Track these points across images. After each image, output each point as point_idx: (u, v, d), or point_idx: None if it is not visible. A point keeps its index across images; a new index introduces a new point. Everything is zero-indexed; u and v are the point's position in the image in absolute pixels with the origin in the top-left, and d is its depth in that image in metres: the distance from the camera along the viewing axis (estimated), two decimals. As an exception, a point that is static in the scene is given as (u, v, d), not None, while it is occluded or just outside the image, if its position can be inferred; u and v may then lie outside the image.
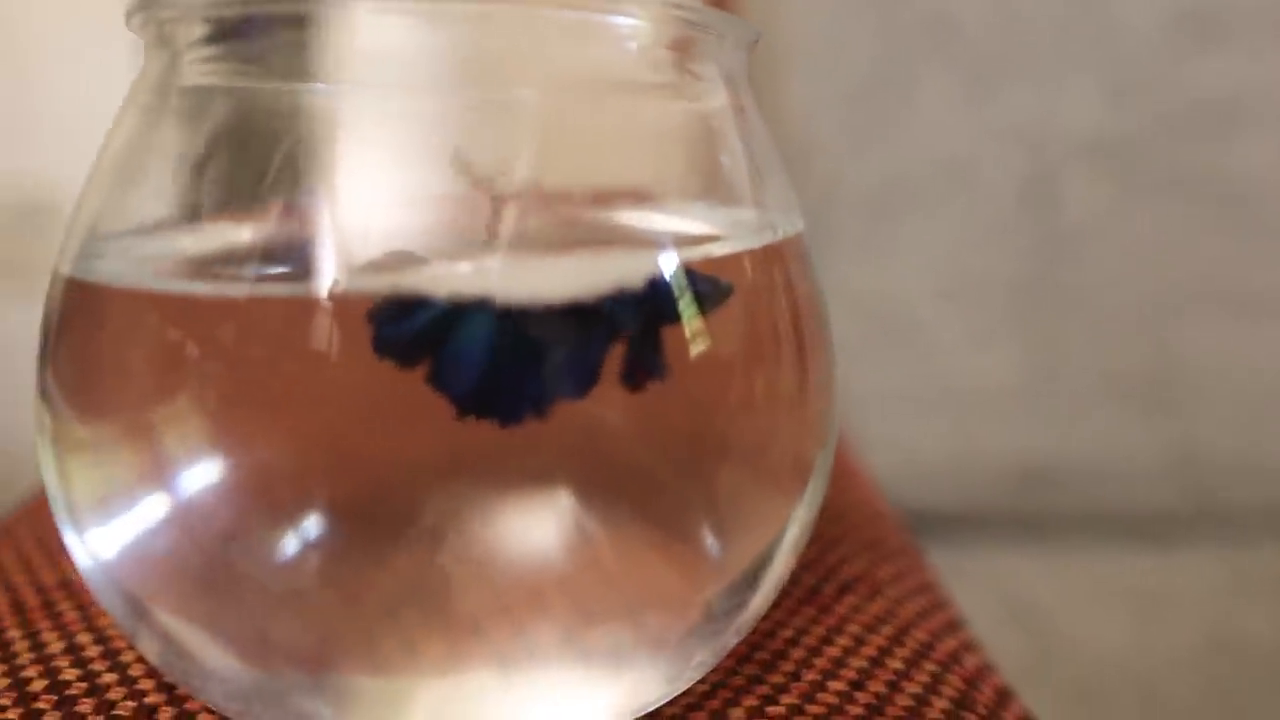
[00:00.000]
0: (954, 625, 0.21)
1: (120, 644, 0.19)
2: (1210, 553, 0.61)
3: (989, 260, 0.61)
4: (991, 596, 0.58)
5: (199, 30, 0.15)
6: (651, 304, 0.14)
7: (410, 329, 0.13)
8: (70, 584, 0.21)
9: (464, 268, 0.13)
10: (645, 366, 0.14)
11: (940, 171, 0.60)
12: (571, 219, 0.17)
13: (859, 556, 0.23)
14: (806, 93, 0.60)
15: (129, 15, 0.16)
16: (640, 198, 0.17)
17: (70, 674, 0.18)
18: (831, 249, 0.61)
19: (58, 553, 0.22)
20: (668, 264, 0.14)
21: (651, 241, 0.14)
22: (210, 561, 0.14)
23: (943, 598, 0.22)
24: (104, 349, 0.15)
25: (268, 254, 0.16)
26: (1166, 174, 0.62)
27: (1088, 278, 0.61)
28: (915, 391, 0.62)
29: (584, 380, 0.13)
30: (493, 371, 0.13)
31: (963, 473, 0.62)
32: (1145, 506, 0.63)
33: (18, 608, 0.20)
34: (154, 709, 0.17)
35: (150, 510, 0.14)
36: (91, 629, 0.19)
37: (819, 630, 0.19)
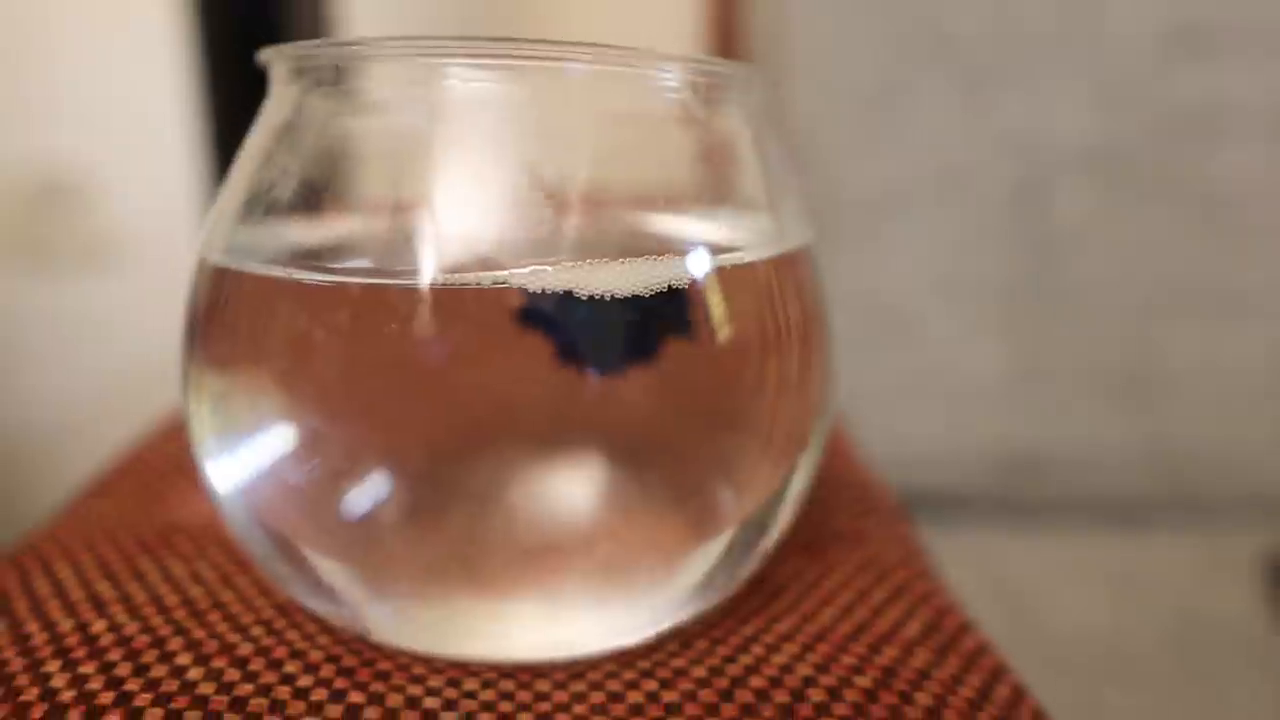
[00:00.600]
0: (927, 570, 0.25)
1: (231, 569, 0.22)
2: (1183, 537, 0.65)
3: (981, 261, 0.64)
4: (977, 576, 0.62)
5: (322, 69, 0.19)
6: (689, 300, 0.17)
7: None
8: (181, 525, 0.25)
9: (547, 268, 0.17)
10: (681, 337, 0.18)
11: (936, 176, 0.64)
12: (620, 226, 0.21)
13: (849, 514, 0.27)
14: (809, 100, 0.64)
15: (261, 54, 0.20)
16: (675, 207, 0.21)
17: (196, 591, 0.22)
18: (832, 249, 0.64)
19: (156, 504, 0.26)
20: (705, 269, 0.18)
21: (685, 248, 0.18)
22: (323, 495, 0.18)
23: (918, 547, 0.26)
24: (249, 323, 0.18)
25: (376, 250, 0.20)
26: (1152, 180, 0.65)
27: (1074, 278, 0.65)
28: (909, 383, 0.66)
29: (642, 350, 0.17)
30: (593, 340, 0.17)
31: (953, 459, 0.66)
32: (1123, 493, 0.67)
33: (142, 543, 0.24)
34: (270, 620, 0.21)
35: (278, 447, 0.18)
36: (208, 559, 0.23)
37: (814, 570, 0.23)
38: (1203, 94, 0.64)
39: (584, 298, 0.16)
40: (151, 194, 0.83)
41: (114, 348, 0.84)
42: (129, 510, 0.26)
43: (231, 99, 0.61)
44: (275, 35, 0.62)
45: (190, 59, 0.63)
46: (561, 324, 0.16)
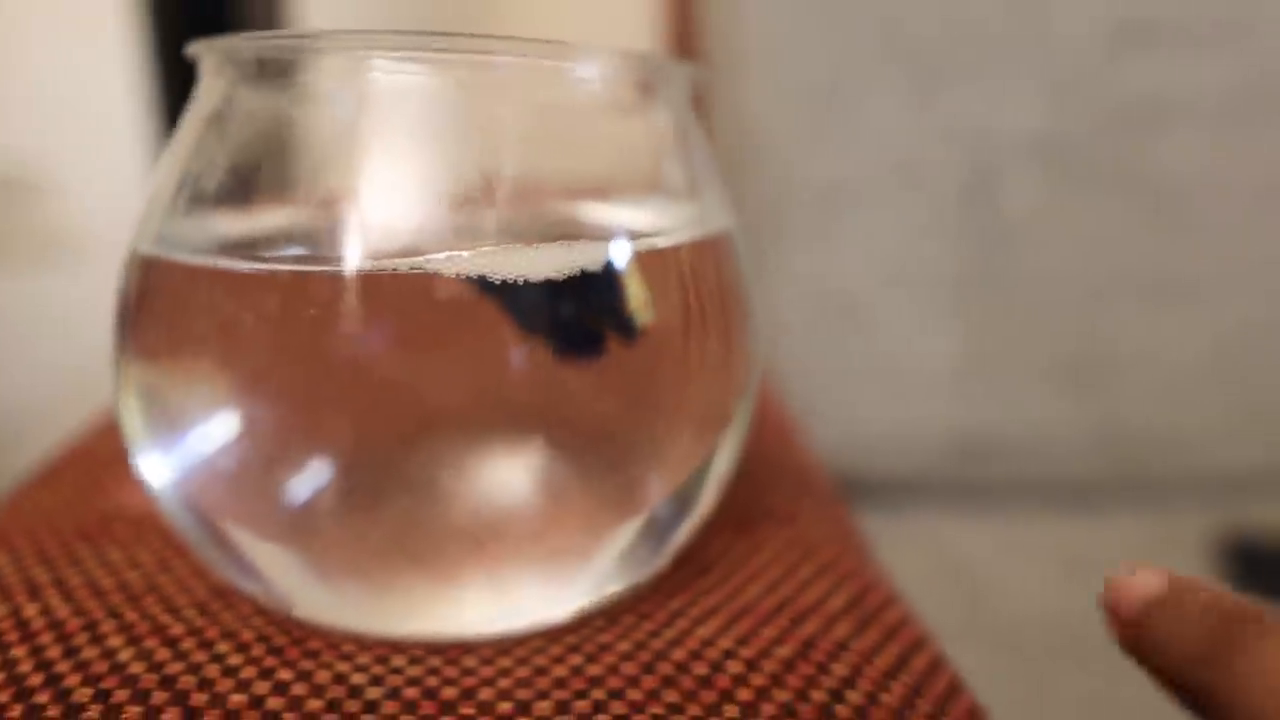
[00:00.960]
0: (856, 548, 0.25)
1: (168, 554, 0.23)
2: (1132, 518, 0.66)
3: (932, 251, 0.65)
4: (931, 558, 0.63)
5: (249, 63, 0.19)
6: (604, 284, 0.18)
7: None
8: (120, 512, 0.25)
9: (466, 254, 0.17)
10: (616, 331, 0.18)
11: (887, 168, 0.65)
12: (545, 214, 0.21)
13: (782, 493, 0.27)
14: (762, 93, 0.64)
15: (190, 49, 0.20)
16: (599, 196, 0.21)
17: (132, 575, 0.22)
18: (785, 239, 0.65)
19: (96, 492, 0.26)
20: (621, 254, 0.18)
21: (600, 234, 0.18)
22: (253, 480, 0.19)
23: (850, 527, 0.27)
24: (178, 312, 0.19)
25: (308, 235, 0.20)
26: (1099, 172, 0.66)
27: (1023, 267, 0.66)
28: (863, 371, 0.66)
29: (573, 339, 0.18)
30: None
31: (906, 444, 0.67)
32: (1074, 476, 0.68)
33: (81, 530, 0.24)
34: (205, 602, 0.21)
35: (207, 436, 0.18)
36: (146, 545, 0.23)
37: (743, 547, 0.24)
38: (1148, 87, 0.65)
39: (497, 282, 0.17)
40: (105, 189, 0.82)
41: (69, 342, 0.84)
42: (70, 499, 0.26)
43: (184, 95, 0.61)
44: (226, 30, 0.62)
45: (142, 55, 0.62)
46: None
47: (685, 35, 0.74)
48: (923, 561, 0.62)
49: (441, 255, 0.17)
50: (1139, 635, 0.16)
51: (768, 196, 0.65)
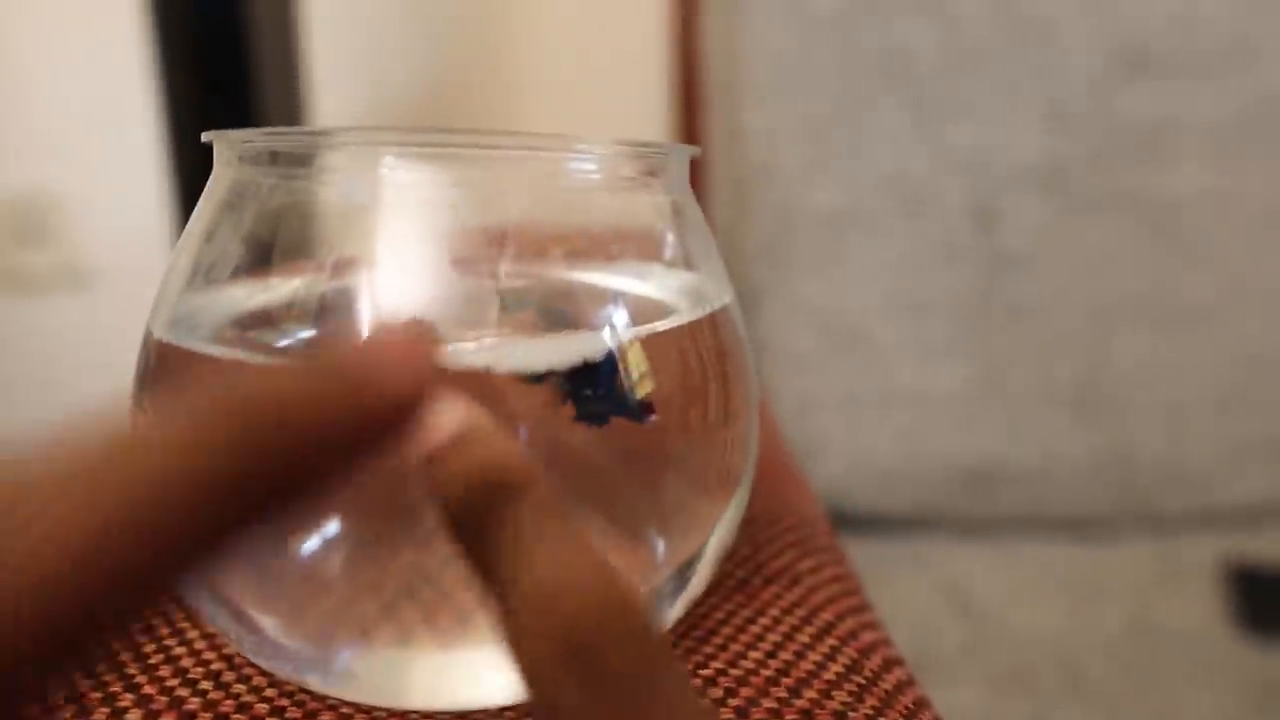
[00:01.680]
0: (856, 608, 0.26)
1: (184, 624, 0.23)
2: (1136, 548, 0.66)
3: (937, 277, 0.66)
4: (936, 587, 0.63)
5: (263, 152, 0.20)
6: (602, 372, 0.19)
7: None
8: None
9: (471, 346, 0.18)
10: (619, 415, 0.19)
11: (892, 195, 0.65)
12: (553, 298, 0.22)
13: (785, 553, 0.28)
14: (767, 121, 0.65)
15: (206, 136, 0.21)
16: (604, 277, 0.22)
17: (148, 647, 0.22)
18: (790, 267, 0.66)
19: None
20: (613, 341, 0.19)
21: (598, 323, 0.19)
22: (261, 556, 0.19)
23: (851, 586, 0.27)
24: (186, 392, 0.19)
25: (316, 321, 0.21)
26: (1101, 199, 0.66)
27: (1028, 294, 0.66)
28: (868, 399, 0.67)
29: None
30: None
31: (911, 474, 0.67)
32: (1078, 505, 0.68)
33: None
34: (219, 673, 0.22)
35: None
36: (160, 614, 0.24)
37: (745, 613, 0.24)
38: (1151, 113, 0.66)
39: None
40: (120, 218, 0.84)
41: (84, 369, 0.85)
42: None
43: (200, 125, 0.62)
44: (242, 60, 0.63)
45: (157, 84, 0.63)
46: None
47: (689, 64, 0.75)
48: (929, 592, 0.62)
49: (447, 348, 0.17)
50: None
51: (771, 226, 0.66)
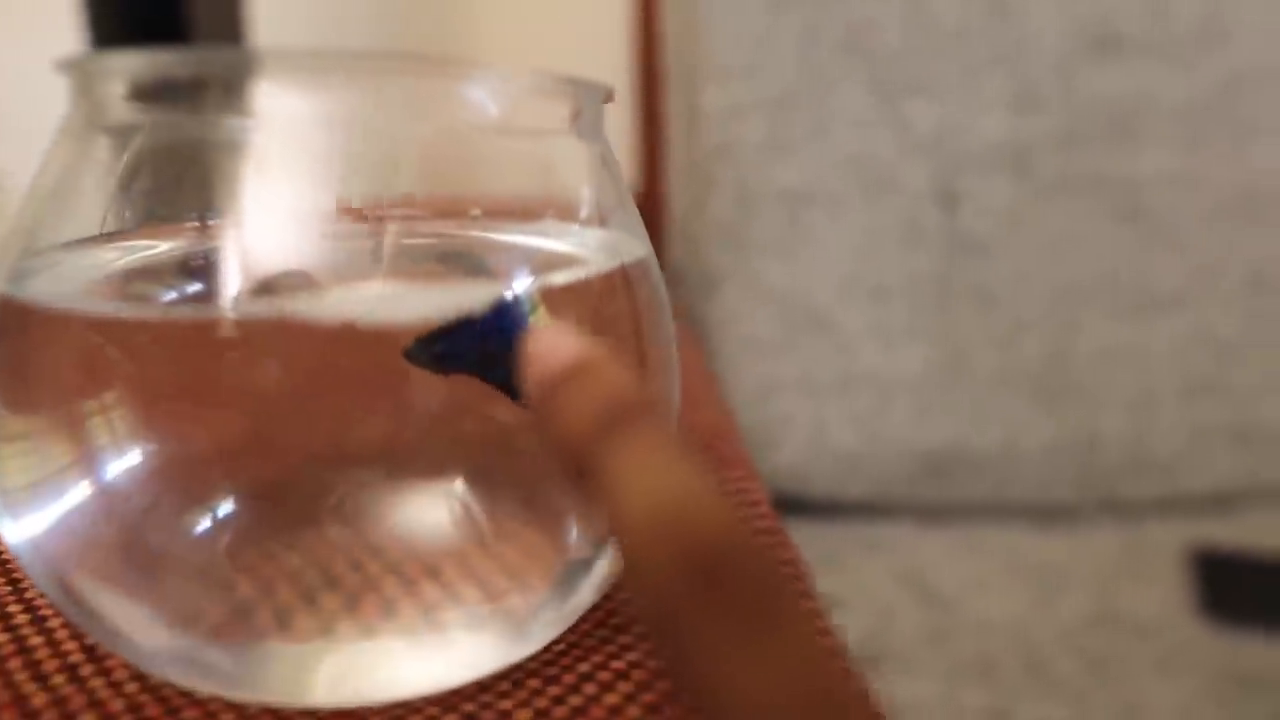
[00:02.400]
0: (802, 593, 0.24)
1: (47, 612, 0.21)
2: (1101, 535, 0.65)
3: (899, 260, 0.64)
4: (896, 574, 0.62)
5: (120, 82, 0.18)
6: (499, 329, 0.17)
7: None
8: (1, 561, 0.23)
9: (347, 293, 0.16)
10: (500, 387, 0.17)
11: (854, 176, 0.63)
12: (442, 244, 0.20)
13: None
14: (726, 99, 0.63)
15: (59, 67, 0.19)
16: (500, 224, 0.20)
17: (1, 638, 0.20)
18: (748, 248, 0.64)
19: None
20: (517, 288, 0.17)
21: (480, 272, 0.17)
22: (128, 540, 0.17)
23: (798, 571, 0.25)
24: (35, 358, 0.17)
25: (180, 271, 0.19)
26: (1067, 181, 0.65)
27: (991, 277, 0.65)
28: (828, 383, 0.65)
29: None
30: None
31: (872, 459, 0.66)
32: (1042, 492, 0.67)
33: (-42, 582, 0.23)
34: (76, 666, 0.19)
35: (73, 496, 0.17)
36: (20, 600, 0.22)
37: (667, 598, 0.22)
38: (1116, 95, 0.65)
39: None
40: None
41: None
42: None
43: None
44: (177, 31, 0.60)
45: (92, 25, 0.61)
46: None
47: (648, 41, 0.73)
48: (889, 579, 0.61)
49: (304, 299, 0.15)
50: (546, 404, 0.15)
51: (730, 207, 0.64)
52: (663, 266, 0.22)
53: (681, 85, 0.66)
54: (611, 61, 0.80)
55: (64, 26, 0.75)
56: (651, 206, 0.76)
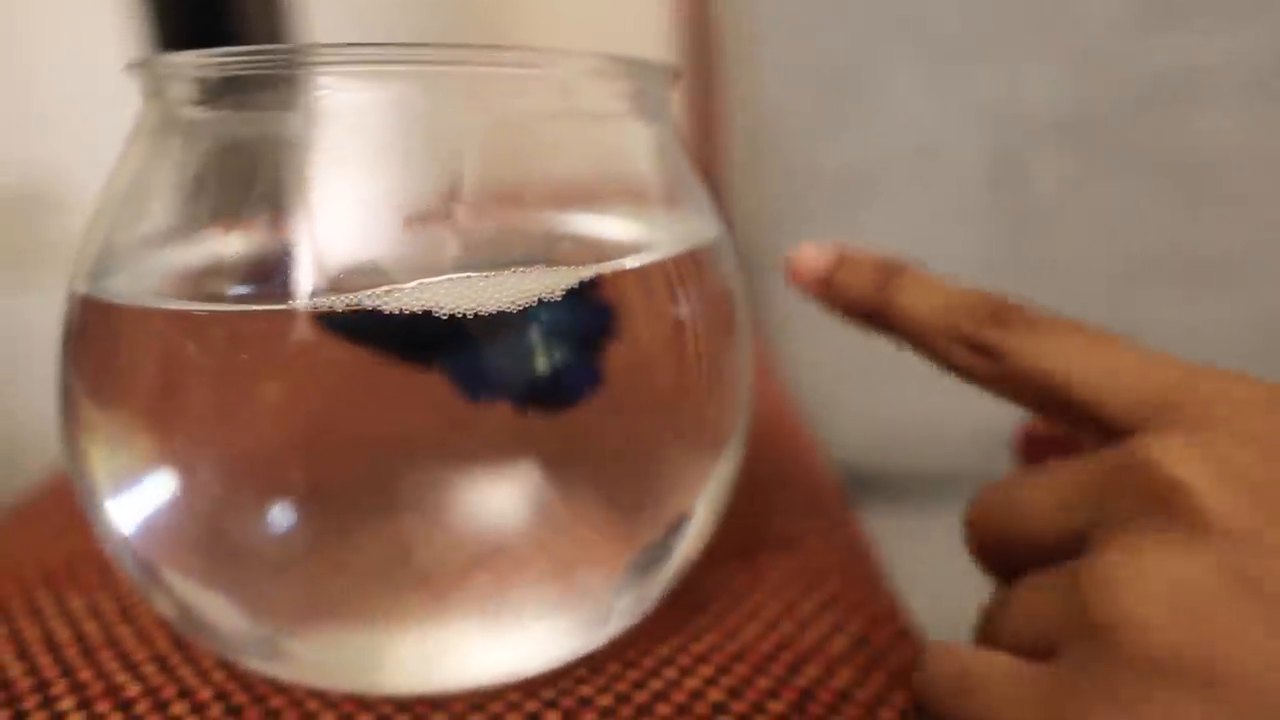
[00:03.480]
0: (866, 576, 0.24)
1: (135, 602, 0.22)
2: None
3: (957, 237, 0.63)
4: (957, 555, 0.61)
5: (189, 82, 0.18)
6: (571, 316, 0.16)
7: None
8: (90, 553, 0.24)
9: (409, 287, 0.16)
10: (574, 374, 0.17)
11: (909, 152, 0.62)
12: (513, 232, 0.20)
13: (788, 517, 0.26)
14: (778, 80, 0.62)
15: (129, 69, 0.19)
16: (572, 208, 0.19)
17: (90, 627, 0.21)
18: (804, 231, 0.63)
19: (72, 530, 0.25)
20: (576, 280, 0.17)
21: (556, 258, 0.17)
22: (209, 532, 0.17)
23: (859, 549, 0.25)
24: (117, 356, 0.17)
25: (253, 267, 0.19)
26: (1128, 150, 0.63)
27: (1052, 251, 0.64)
28: (886, 363, 0.64)
29: (522, 377, 0.16)
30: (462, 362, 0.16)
31: (931, 438, 0.65)
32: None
33: (46, 575, 0.23)
34: (165, 656, 0.20)
35: (156, 489, 0.17)
36: (109, 591, 0.22)
37: (742, 580, 0.22)
38: (1177, 61, 0.63)
39: (444, 317, 0.15)
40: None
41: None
42: (42, 539, 0.25)
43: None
44: (230, 40, 0.61)
45: (145, 24, 0.61)
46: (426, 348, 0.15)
47: (699, 22, 0.72)
48: (949, 559, 0.60)
49: (381, 290, 0.15)
50: (826, 287, 0.24)
51: (786, 184, 0.63)
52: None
53: (737, 64, 0.65)
54: (663, 40, 0.79)
55: (115, 47, 0.77)
56: (706, 183, 0.76)
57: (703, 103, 0.77)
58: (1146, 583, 0.14)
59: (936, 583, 0.57)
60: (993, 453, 0.65)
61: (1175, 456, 0.15)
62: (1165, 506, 0.15)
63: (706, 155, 0.79)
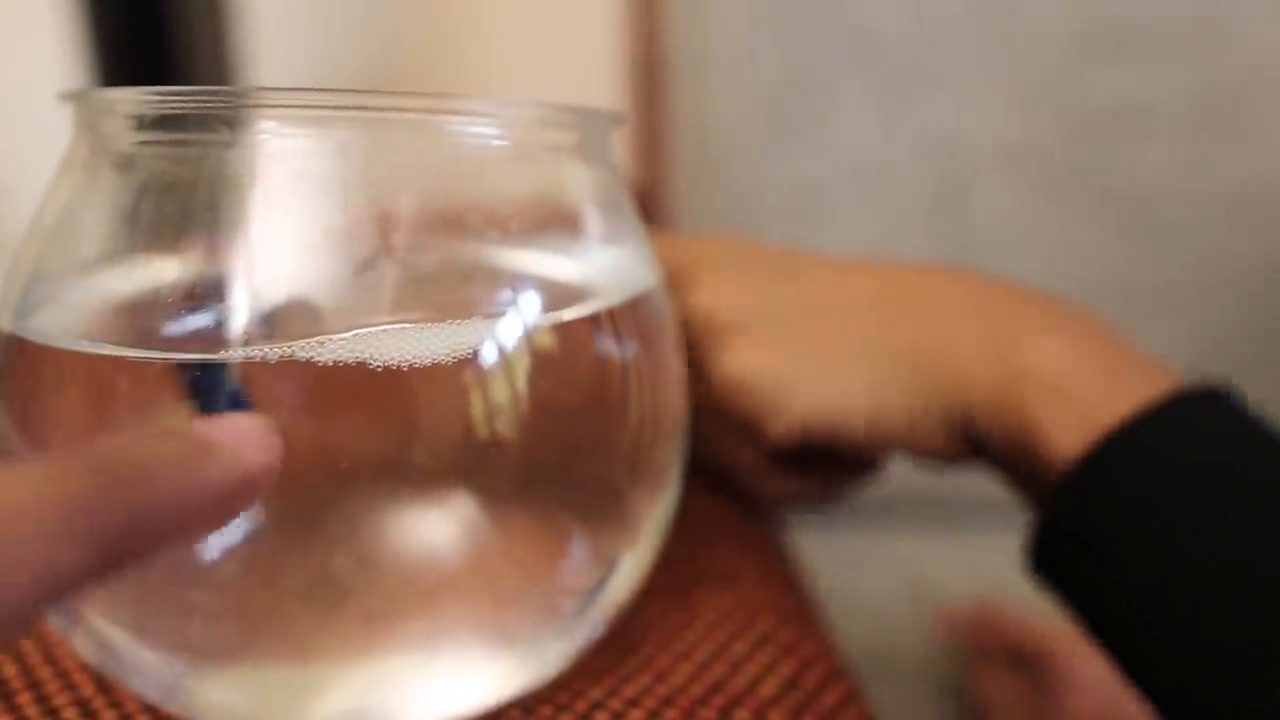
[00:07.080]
0: (800, 612, 0.24)
1: (56, 643, 0.21)
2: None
3: (902, 256, 0.64)
4: (898, 577, 0.62)
5: (125, 117, 0.17)
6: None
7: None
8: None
9: (343, 337, 0.15)
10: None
11: (856, 177, 0.63)
12: (458, 267, 0.20)
13: (723, 549, 0.26)
14: (727, 100, 0.63)
15: (64, 99, 0.19)
16: (516, 248, 0.19)
17: (10, 670, 0.20)
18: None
19: None
20: (513, 331, 0.17)
21: (493, 310, 0.17)
22: (134, 573, 0.17)
23: (796, 585, 0.25)
24: (42, 394, 0.17)
25: (185, 303, 0.19)
26: (1068, 179, 0.65)
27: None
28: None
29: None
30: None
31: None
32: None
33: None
34: (88, 700, 0.19)
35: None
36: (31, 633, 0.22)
37: (676, 618, 0.22)
38: (1117, 94, 0.64)
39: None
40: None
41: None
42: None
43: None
44: (167, 28, 0.60)
45: (85, 53, 0.60)
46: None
47: (649, 39, 0.72)
48: (889, 581, 0.61)
49: (314, 339, 0.15)
50: None
51: (734, 203, 0.64)
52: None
53: (684, 85, 0.66)
54: (610, 54, 0.79)
55: (47, 33, 0.75)
56: (652, 200, 0.76)
57: (651, 120, 0.78)
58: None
59: (869, 611, 0.58)
60: (923, 477, 0.66)
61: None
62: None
63: (654, 173, 0.79)
